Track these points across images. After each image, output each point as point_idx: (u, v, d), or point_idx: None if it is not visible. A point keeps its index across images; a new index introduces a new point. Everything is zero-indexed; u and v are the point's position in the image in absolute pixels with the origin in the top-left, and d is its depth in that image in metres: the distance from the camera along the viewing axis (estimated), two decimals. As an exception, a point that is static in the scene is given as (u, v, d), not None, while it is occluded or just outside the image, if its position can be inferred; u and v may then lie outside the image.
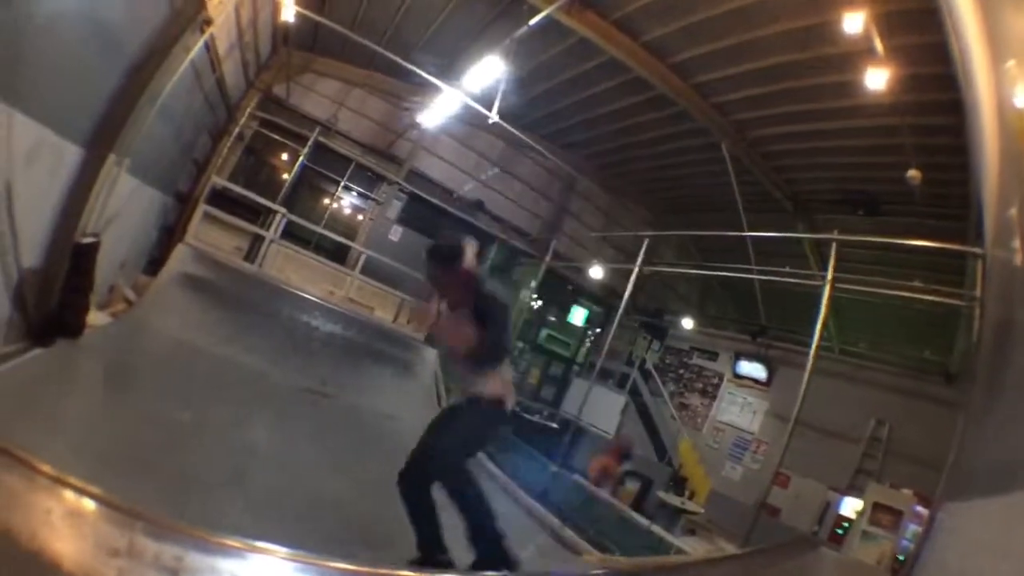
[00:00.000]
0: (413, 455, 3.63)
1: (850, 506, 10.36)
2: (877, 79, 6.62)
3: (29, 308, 5.21)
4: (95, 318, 6.92)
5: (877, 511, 8.73)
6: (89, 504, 1.32)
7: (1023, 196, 2.92)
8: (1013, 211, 3.10)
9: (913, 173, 8.47)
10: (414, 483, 3.52)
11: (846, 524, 10.11)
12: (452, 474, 3.38)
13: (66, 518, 1.26)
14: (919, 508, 7.94)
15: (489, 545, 3.34)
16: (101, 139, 5.74)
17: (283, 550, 1.58)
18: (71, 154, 5.29)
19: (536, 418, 14.57)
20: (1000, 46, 3.19)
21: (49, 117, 4.47)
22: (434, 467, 3.44)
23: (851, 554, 7.83)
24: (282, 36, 11.38)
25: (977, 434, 3.57)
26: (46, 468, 1.31)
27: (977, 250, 5.72)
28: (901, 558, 7.09)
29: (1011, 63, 2.98)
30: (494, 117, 9.14)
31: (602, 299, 16.95)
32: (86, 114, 5.37)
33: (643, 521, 8.11)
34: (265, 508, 4.38)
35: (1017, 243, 2.95)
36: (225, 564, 1.34)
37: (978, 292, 5.53)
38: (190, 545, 1.30)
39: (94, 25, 4.61)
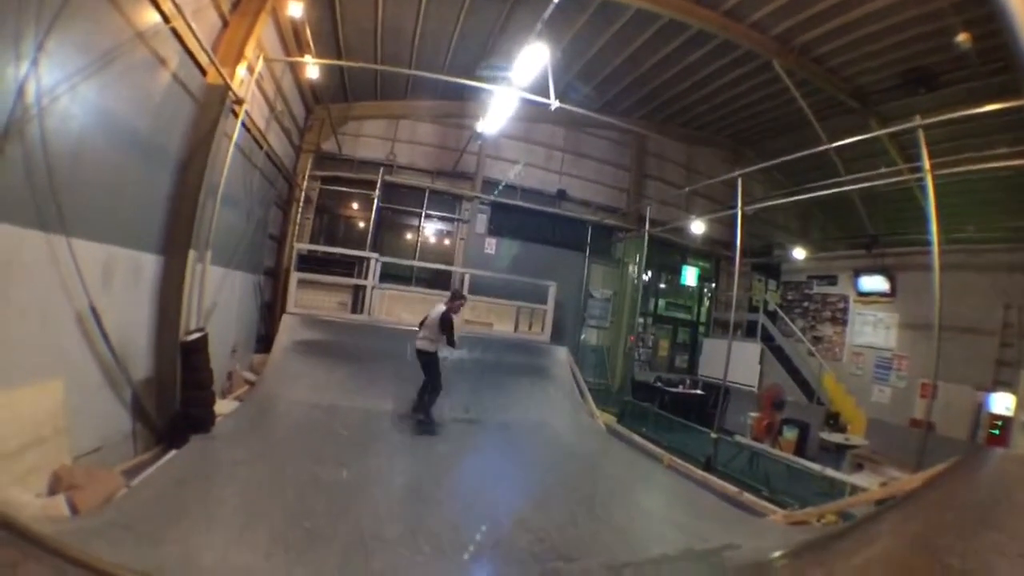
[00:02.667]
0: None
1: (1000, 402, 9.60)
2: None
3: (152, 416, 5.43)
4: (222, 407, 7.21)
5: None
6: None
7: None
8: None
9: (962, 37, 8.03)
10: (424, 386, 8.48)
11: (999, 423, 9.27)
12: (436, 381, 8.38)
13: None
14: None
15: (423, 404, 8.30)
16: (175, 241, 5.97)
17: None
18: (149, 263, 5.49)
19: (680, 389, 14.01)
20: None
21: (113, 235, 4.62)
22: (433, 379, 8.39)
23: (1019, 451, 6.89)
24: (311, 94, 11.64)
25: None
26: None
27: None
28: None
29: None
30: (555, 104, 8.80)
31: (708, 252, 16.24)
32: (152, 222, 5.56)
33: (815, 467, 7.63)
34: (451, 549, 4.28)
35: None
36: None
37: None
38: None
39: (129, 138, 4.74)
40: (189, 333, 6.25)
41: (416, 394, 8.45)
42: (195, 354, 6.27)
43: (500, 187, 14.00)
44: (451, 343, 8.38)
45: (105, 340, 4.49)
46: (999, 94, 7.36)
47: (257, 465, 5.67)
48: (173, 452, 5.45)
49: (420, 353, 8.38)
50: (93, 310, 4.31)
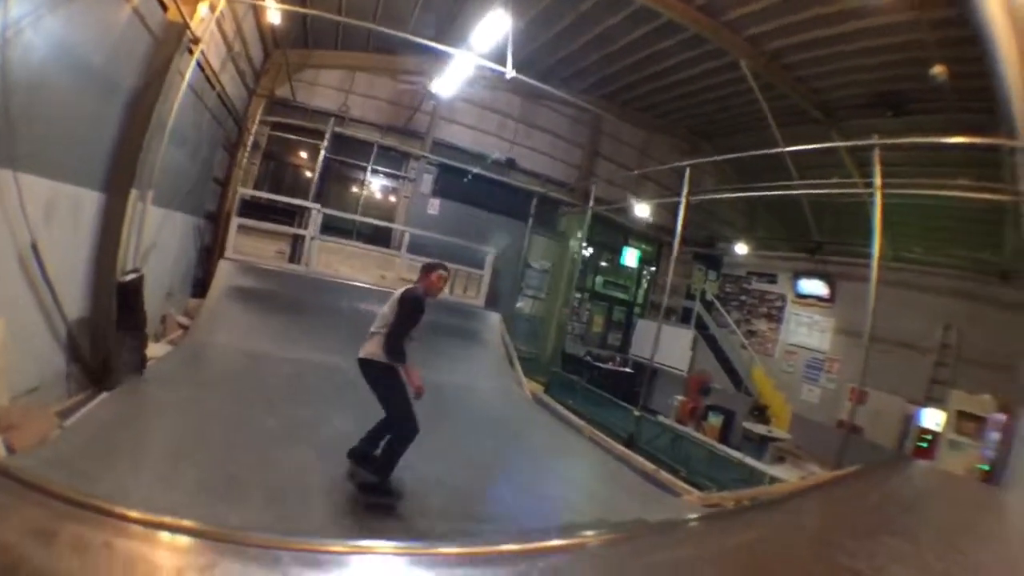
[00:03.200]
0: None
1: (931, 417, 10.05)
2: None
3: (86, 357, 5.35)
4: (154, 350, 7.12)
5: (961, 419, 8.45)
6: (183, 540, 1.21)
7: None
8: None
9: (937, 69, 8.16)
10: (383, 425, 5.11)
11: (928, 436, 9.81)
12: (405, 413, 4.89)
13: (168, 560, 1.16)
14: (998, 416, 7.57)
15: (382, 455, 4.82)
16: (118, 179, 5.79)
17: (388, 544, 1.50)
18: (90, 200, 5.35)
19: (609, 365, 14.52)
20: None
21: (59, 171, 4.49)
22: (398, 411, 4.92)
23: (941, 465, 7.58)
24: (272, 38, 11.24)
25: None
26: (135, 515, 1.19)
27: (1016, 143, 5.22)
28: (986, 467, 6.81)
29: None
30: (511, 73, 8.81)
31: (651, 237, 16.67)
32: (97, 159, 5.38)
33: (736, 454, 8.11)
34: (365, 502, 4.48)
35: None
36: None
37: (1022, 186, 5.08)
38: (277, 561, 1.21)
39: (79, 70, 4.57)
40: (126, 274, 6.12)
41: (363, 437, 5.03)
42: (131, 295, 6.15)
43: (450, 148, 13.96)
44: (393, 349, 4.68)
45: (45, 278, 4.40)
46: (967, 129, 7.83)
47: (186, 410, 5.75)
48: (105, 394, 5.43)
49: (365, 365, 4.84)
50: (34, 247, 4.21)
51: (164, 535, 1.20)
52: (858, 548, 1.87)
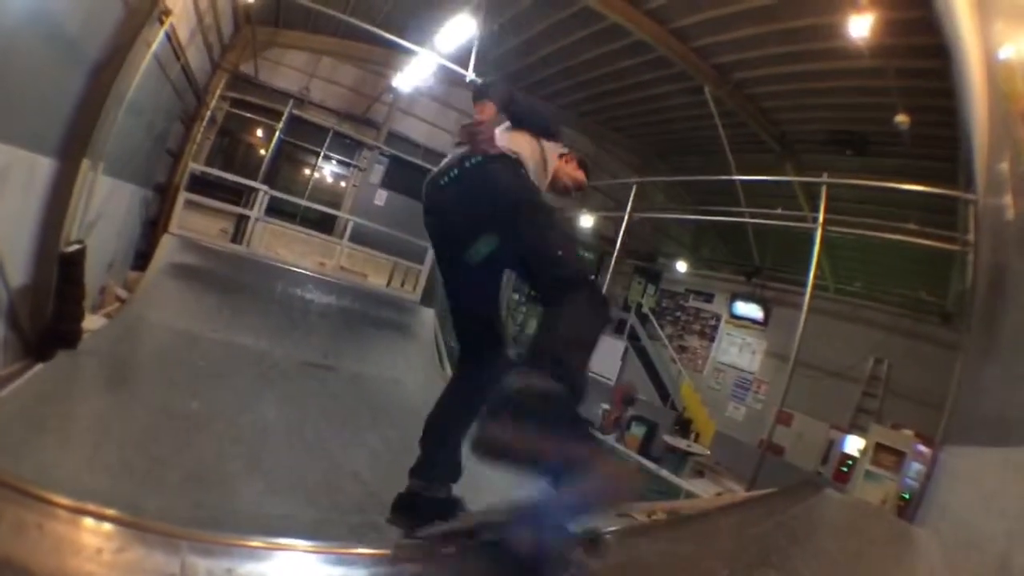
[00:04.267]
0: None
1: (853, 444, 10.44)
2: (861, 26, 6.47)
3: (24, 326, 5.18)
4: (90, 323, 6.89)
5: (880, 452, 8.80)
6: (101, 525, 1.35)
7: (1013, 152, 2.89)
8: (1004, 165, 3.07)
9: (901, 118, 8.36)
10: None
11: (850, 462, 10.23)
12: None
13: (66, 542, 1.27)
14: (921, 447, 8.01)
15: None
16: (72, 146, 5.59)
17: (305, 543, 1.62)
18: (43, 167, 5.16)
19: (535, 369, 14.61)
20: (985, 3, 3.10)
21: (13, 134, 4.34)
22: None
23: (856, 494, 8.00)
24: (243, 14, 10.96)
25: (974, 381, 3.63)
26: (63, 500, 1.32)
27: (970, 196, 5.64)
28: (906, 496, 7.23)
29: (998, 24, 2.90)
30: (470, 76, 8.91)
31: (593, 246, 16.91)
32: (53, 124, 5.21)
33: (651, 466, 8.29)
34: (286, 489, 4.51)
35: (1009, 198, 2.94)
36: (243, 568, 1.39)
37: (971, 237, 5.46)
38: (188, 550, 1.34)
39: (48, 34, 4.42)
40: (69, 244, 5.93)
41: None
42: (72, 267, 5.95)
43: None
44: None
45: (-9, 245, 4.26)
46: (923, 176, 8.19)
47: (115, 387, 5.69)
48: (40, 366, 5.28)
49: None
50: (-16, 213, 4.08)
51: (87, 520, 1.33)
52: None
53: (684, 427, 11.67)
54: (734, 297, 14.81)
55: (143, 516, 1.41)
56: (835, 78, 9.26)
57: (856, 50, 7.71)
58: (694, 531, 2.98)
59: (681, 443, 10.78)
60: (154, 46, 6.46)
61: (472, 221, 2.29)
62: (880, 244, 10.02)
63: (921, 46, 7.17)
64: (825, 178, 7.85)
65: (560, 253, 2.08)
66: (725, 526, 3.15)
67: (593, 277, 2.87)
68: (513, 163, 2.35)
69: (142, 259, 9.79)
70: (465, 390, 2.50)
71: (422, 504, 2.35)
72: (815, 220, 7.60)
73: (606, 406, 12.09)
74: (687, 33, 9.87)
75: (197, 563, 1.32)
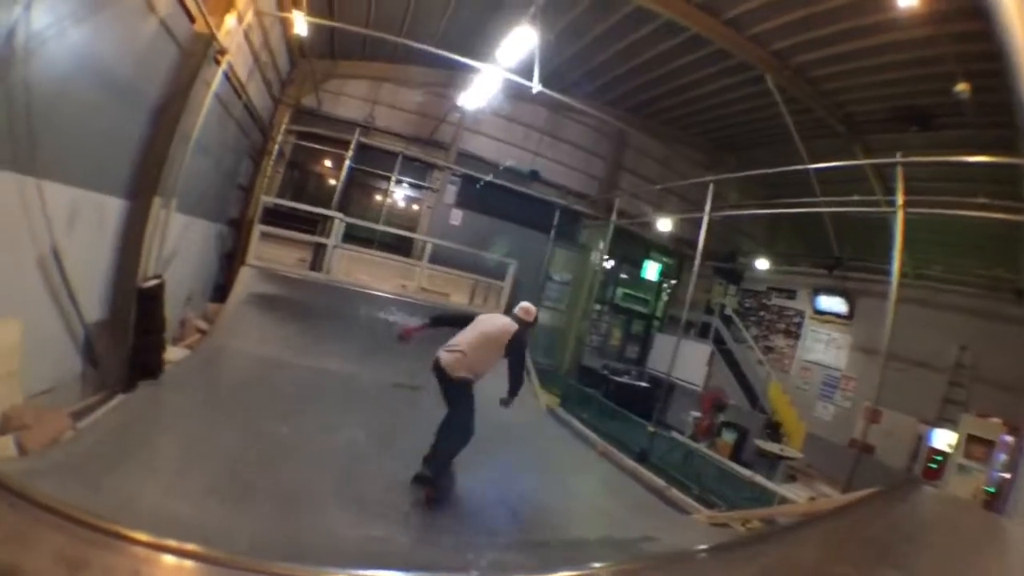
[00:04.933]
0: None
1: (941, 438, 9.84)
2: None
3: (101, 360, 5.43)
4: (172, 354, 7.19)
5: (971, 443, 8.21)
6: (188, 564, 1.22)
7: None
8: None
9: (962, 86, 7.94)
10: (448, 424, 5.57)
11: (939, 457, 9.61)
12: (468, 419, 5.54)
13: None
14: (1007, 437, 7.40)
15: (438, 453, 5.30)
16: (142, 186, 5.90)
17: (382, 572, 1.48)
18: (113, 207, 5.45)
19: (624, 379, 14.36)
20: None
21: (82, 178, 4.58)
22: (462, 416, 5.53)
23: (948, 489, 7.35)
24: (297, 49, 11.39)
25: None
26: (142, 536, 1.20)
27: None
28: (991, 489, 6.57)
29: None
30: (537, 87, 8.84)
31: (673, 250, 16.52)
32: (121, 167, 5.49)
33: (745, 473, 7.95)
34: (376, 511, 4.48)
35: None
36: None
37: None
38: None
39: (109, 82, 4.66)
40: (147, 280, 6.21)
41: (434, 436, 5.38)
42: (151, 301, 6.24)
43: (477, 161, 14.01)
44: (513, 392, 5.63)
45: (64, 283, 4.48)
46: (990, 146, 7.56)
47: (200, 414, 5.76)
48: (121, 396, 5.49)
49: (446, 377, 5.37)
50: (55, 252, 4.30)
51: (167, 557, 1.22)
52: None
53: (774, 430, 11.09)
54: (816, 291, 14.01)
55: (226, 551, 1.26)
56: (891, 51, 8.71)
57: (908, 20, 7.23)
58: (814, 536, 2.80)
59: (773, 447, 10.23)
60: (214, 85, 6.74)
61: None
62: (953, 222, 9.37)
63: (971, 8, 6.54)
64: (899, 158, 7.32)
65: None
66: (842, 529, 2.94)
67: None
68: None
69: (220, 292, 10.22)
70: (448, 419, 5.37)
71: (419, 478, 5.03)
72: (890, 204, 7.01)
73: (696, 413, 11.70)
74: (739, 22, 9.52)
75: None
